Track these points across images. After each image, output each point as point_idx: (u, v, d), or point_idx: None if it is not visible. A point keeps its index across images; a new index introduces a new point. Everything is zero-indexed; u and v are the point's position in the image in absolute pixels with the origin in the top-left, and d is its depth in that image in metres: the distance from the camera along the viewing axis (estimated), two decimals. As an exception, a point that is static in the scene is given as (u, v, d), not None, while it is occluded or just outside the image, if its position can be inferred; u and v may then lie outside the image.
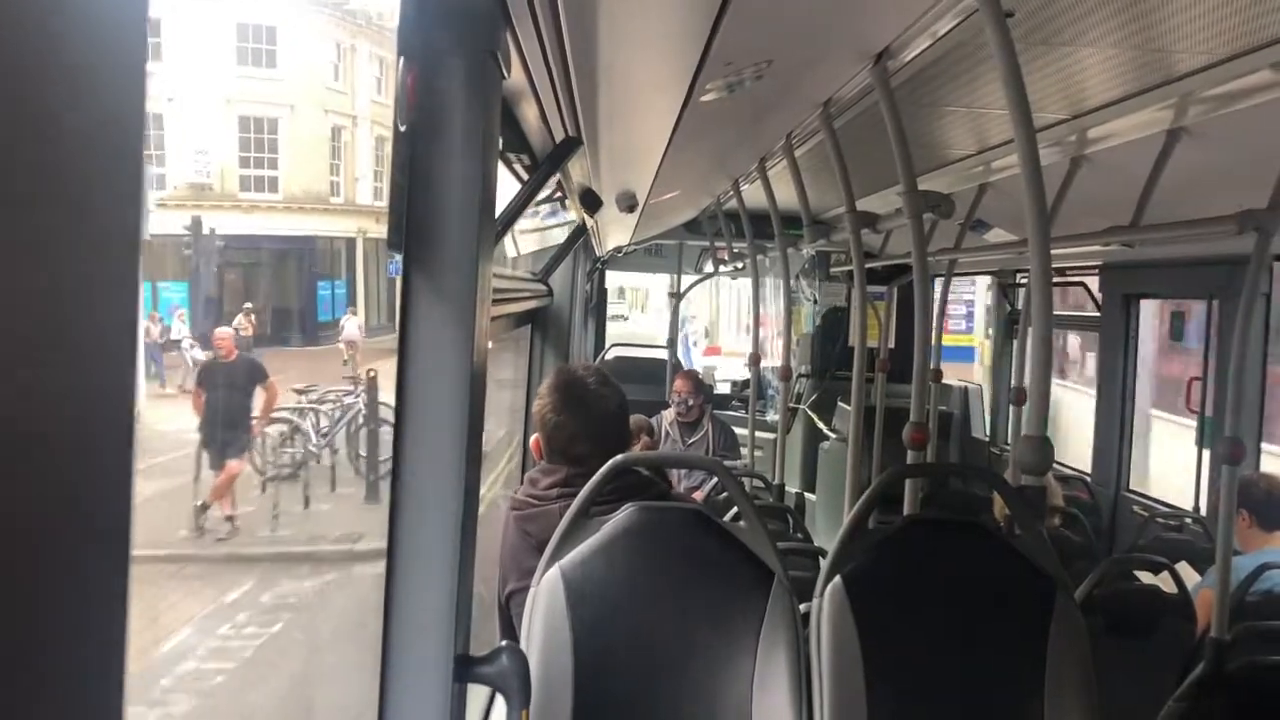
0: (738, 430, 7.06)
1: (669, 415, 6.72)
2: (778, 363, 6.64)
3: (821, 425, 8.19)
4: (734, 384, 10.89)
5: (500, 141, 2.14)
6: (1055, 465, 6.61)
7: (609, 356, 9.71)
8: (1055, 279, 6.63)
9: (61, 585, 0.47)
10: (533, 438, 2.73)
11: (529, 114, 2.00)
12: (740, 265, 8.48)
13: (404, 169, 1.27)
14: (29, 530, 0.44)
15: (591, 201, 3.33)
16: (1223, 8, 2.59)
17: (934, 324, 6.22)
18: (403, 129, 1.25)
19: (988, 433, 8.22)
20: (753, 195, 5.70)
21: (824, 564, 2.50)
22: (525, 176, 2.49)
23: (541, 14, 1.37)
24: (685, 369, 8.09)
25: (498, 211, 1.64)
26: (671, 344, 9.63)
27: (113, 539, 0.51)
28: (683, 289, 10.07)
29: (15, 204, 0.43)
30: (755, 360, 6.50)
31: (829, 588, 2.40)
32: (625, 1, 1.54)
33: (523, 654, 1.46)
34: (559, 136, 2.21)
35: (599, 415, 2.65)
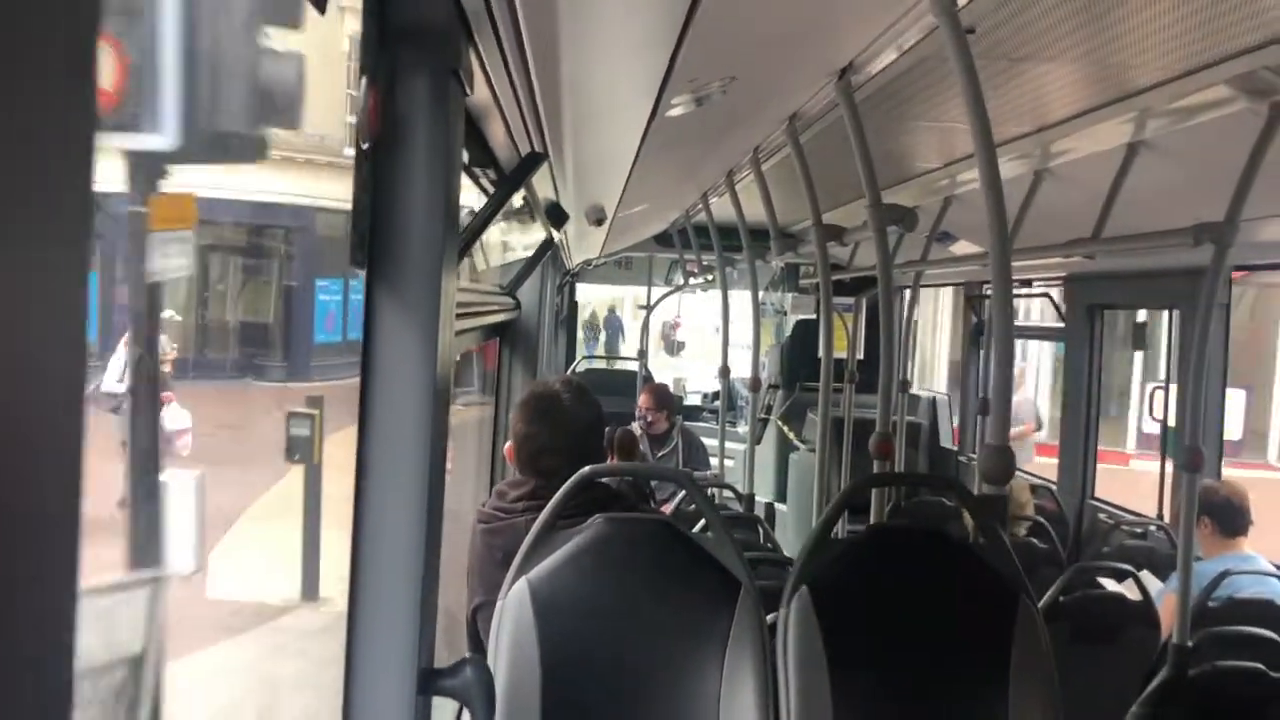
0: (709, 441, 7.09)
1: (636, 428, 6.76)
2: (747, 374, 6.69)
3: (791, 436, 8.23)
4: (704, 395, 10.93)
5: (465, 156, 2.15)
6: (1020, 474, 6.67)
7: (579, 369, 9.73)
8: (1020, 290, 6.74)
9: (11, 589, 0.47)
10: (506, 445, 2.75)
11: (494, 129, 2.01)
12: (709, 278, 8.52)
13: (366, 187, 1.28)
14: None
15: (558, 215, 3.35)
16: (1178, 24, 2.64)
17: (900, 335, 6.27)
18: (365, 147, 1.26)
19: (955, 442, 8.29)
20: (721, 208, 5.74)
21: (791, 573, 2.52)
22: (492, 191, 2.50)
23: (504, 30, 1.39)
24: (651, 383, 8.11)
25: (463, 226, 1.65)
26: (642, 356, 9.66)
27: (63, 535, 0.50)
28: (653, 301, 10.10)
29: None
30: (725, 372, 6.53)
31: (795, 597, 2.42)
32: (589, 18, 1.56)
33: (486, 667, 1.47)
34: (524, 151, 2.23)
35: (569, 428, 2.66)
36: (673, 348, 23.11)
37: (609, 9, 1.58)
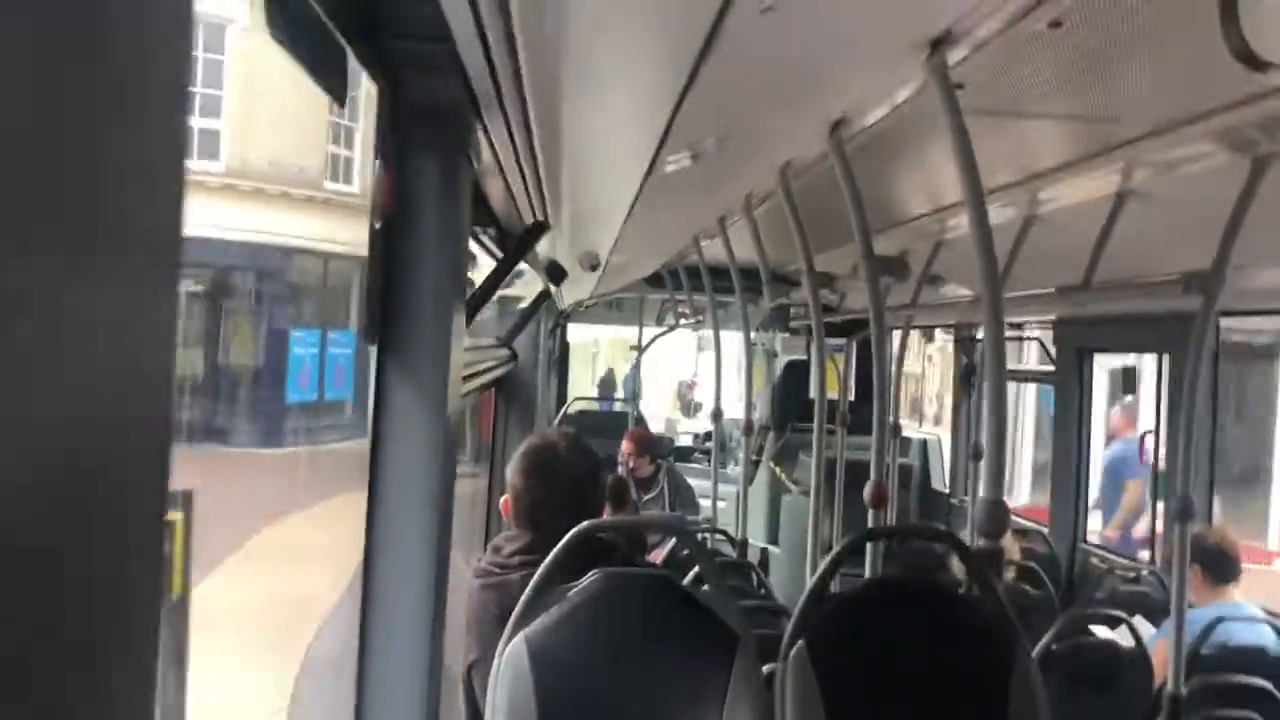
0: (701, 483, 7.09)
1: (622, 472, 6.77)
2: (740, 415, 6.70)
3: (783, 478, 8.23)
4: (696, 436, 10.93)
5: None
6: (1013, 519, 6.68)
7: (571, 410, 9.72)
8: (1010, 334, 6.77)
9: (93, 603, 0.48)
10: (503, 499, 2.74)
11: (497, 194, 2.04)
12: (700, 319, 8.55)
13: (379, 264, 1.30)
14: (71, 542, 0.45)
15: (557, 273, 3.37)
16: (1162, 81, 2.70)
17: (892, 378, 6.30)
18: (377, 226, 1.29)
19: (947, 485, 8.30)
20: (713, 249, 5.78)
21: (787, 628, 2.52)
22: (492, 248, 2.53)
23: (511, 109, 1.42)
24: (633, 428, 8.10)
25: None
26: (634, 397, 9.66)
27: (146, 549, 0.52)
28: (644, 343, 10.11)
29: (58, 217, 0.43)
30: (717, 414, 6.54)
31: (793, 653, 2.43)
32: (593, 89, 1.59)
33: None
34: (526, 216, 2.25)
35: (565, 482, 2.66)
36: (689, 408, 20.50)
37: (612, 78, 1.61)
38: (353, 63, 1.12)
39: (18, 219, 0.40)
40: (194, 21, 0.53)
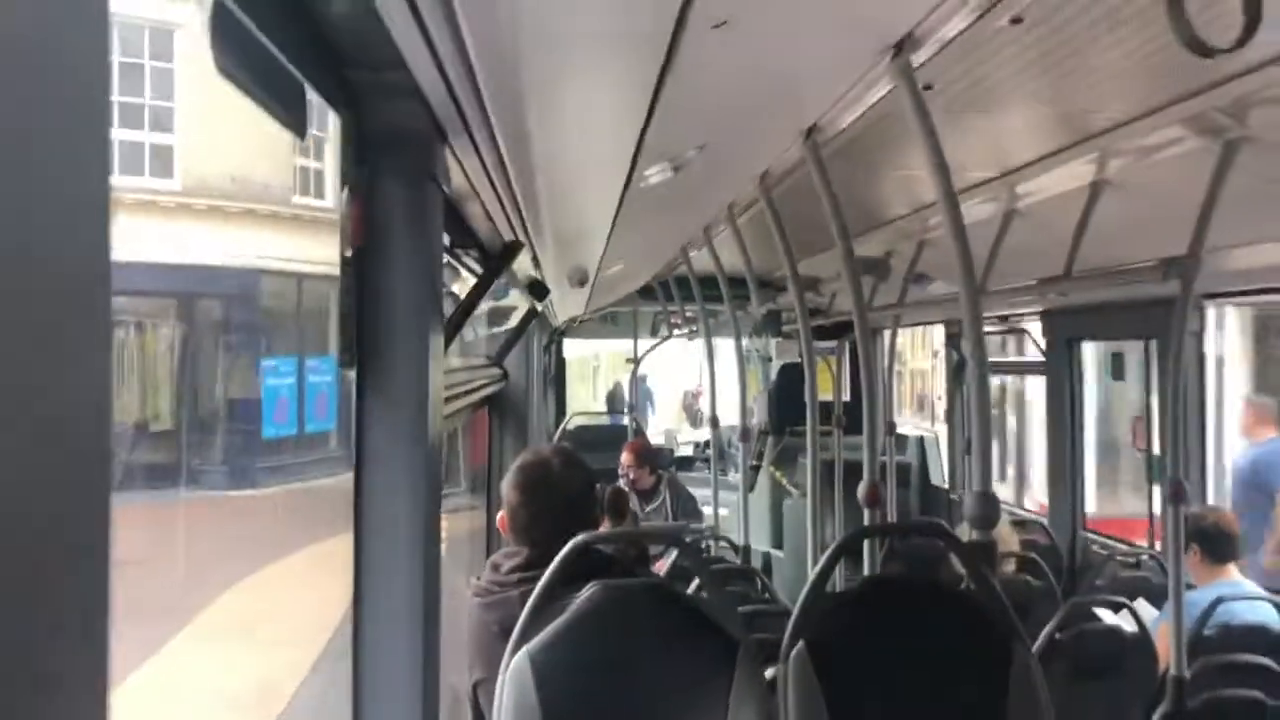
0: (702, 491, 7.10)
1: (623, 483, 6.78)
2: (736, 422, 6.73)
3: (784, 481, 8.25)
4: (696, 445, 10.94)
5: (448, 241, 2.20)
6: (1012, 511, 6.71)
7: (570, 426, 9.74)
8: (998, 327, 6.80)
9: (40, 596, 0.48)
10: (499, 515, 2.76)
11: (476, 214, 2.06)
12: (694, 329, 8.58)
13: (352, 292, 1.33)
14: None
15: (539, 291, 3.40)
16: (1131, 70, 2.73)
17: (884, 377, 6.33)
18: (349, 254, 1.31)
19: (946, 480, 8.31)
20: (701, 260, 5.81)
21: (787, 629, 2.54)
22: (476, 269, 2.55)
23: (477, 131, 1.45)
24: (631, 440, 8.12)
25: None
26: (632, 410, 9.69)
27: (92, 549, 0.52)
28: (639, 354, 10.14)
29: None
30: (714, 422, 6.56)
31: (794, 653, 2.44)
32: (557, 110, 1.62)
33: None
34: (506, 235, 2.28)
35: (560, 497, 2.68)
36: (696, 419, 20.05)
37: (576, 99, 1.64)
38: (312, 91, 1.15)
39: None
40: (109, 24, 0.52)
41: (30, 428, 0.47)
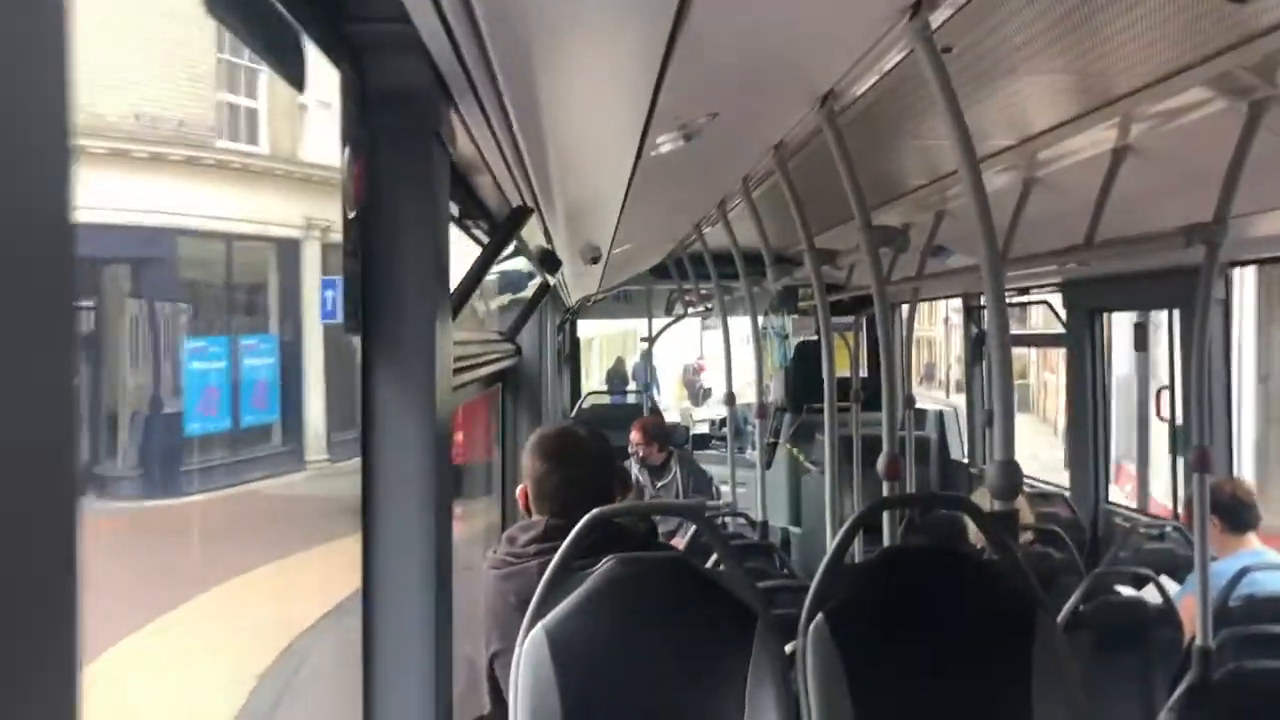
0: (720, 469, 7.08)
1: (634, 462, 6.78)
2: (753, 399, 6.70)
3: (801, 458, 8.22)
4: (712, 423, 10.92)
5: (456, 209, 2.17)
6: (1033, 483, 6.65)
7: (585, 405, 9.72)
8: (1019, 299, 6.74)
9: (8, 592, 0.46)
10: (519, 487, 2.78)
11: (483, 182, 2.03)
12: (709, 306, 8.54)
13: (356, 254, 1.30)
14: None
15: (551, 263, 3.37)
16: (1154, 30, 2.67)
17: (902, 351, 6.28)
18: (352, 215, 1.28)
19: (965, 454, 8.27)
20: (715, 236, 5.76)
21: (807, 600, 2.51)
22: (484, 238, 2.52)
23: (483, 90, 1.41)
24: (641, 417, 8.10)
25: (455, 282, 1.66)
26: (646, 389, 9.67)
27: (57, 541, 0.50)
28: (654, 333, 10.11)
29: None
30: (730, 399, 6.53)
31: (812, 625, 2.41)
32: (566, 70, 1.58)
33: None
34: (514, 203, 2.24)
35: (583, 466, 2.70)
36: (697, 396, 19.11)
37: (585, 60, 1.60)
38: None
39: None
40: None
41: None
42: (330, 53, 1.19)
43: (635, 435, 6.83)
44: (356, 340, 1.32)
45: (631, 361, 20.30)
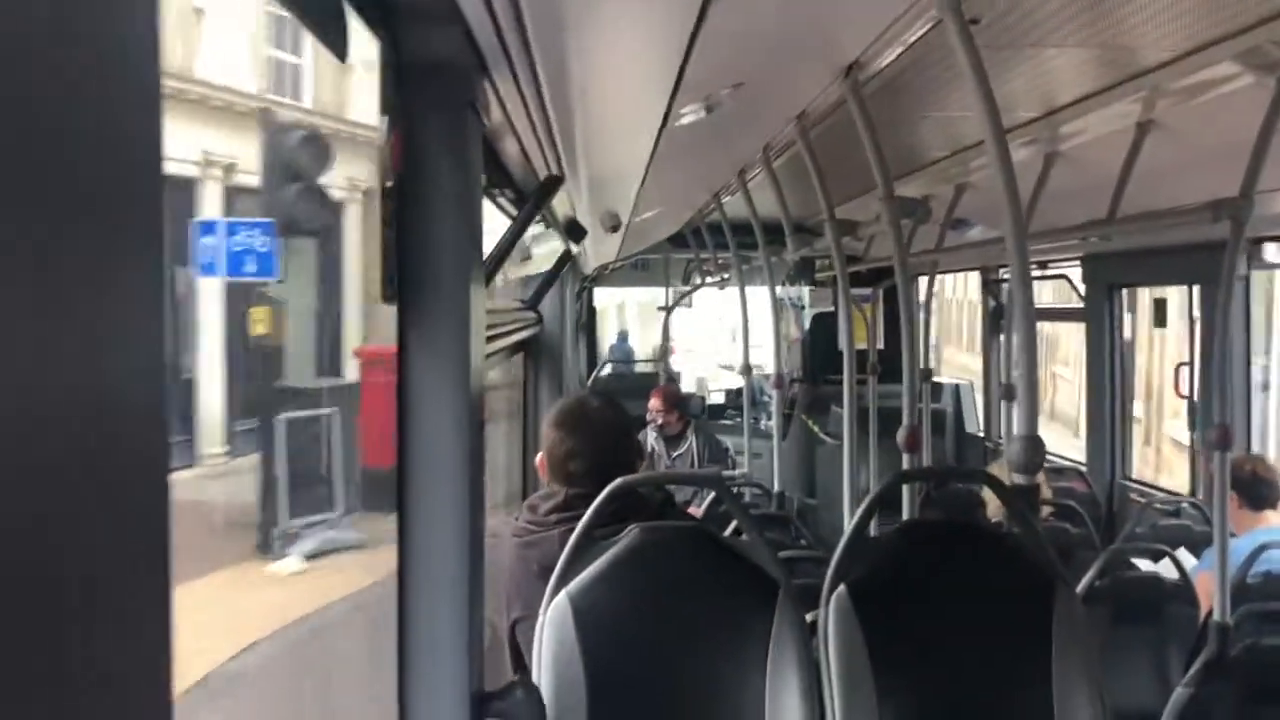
0: (736, 439, 7.09)
1: (652, 431, 6.77)
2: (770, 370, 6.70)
3: (817, 430, 8.23)
4: (728, 393, 10.92)
5: (485, 181, 2.17)
6: (1049, 457, 6.65)
7: (602, 374, 9.73)
8: (1037, 273, 6.71)
9: (100, 592, 0.47)
10: (538, 456, 2.79)
11: (512, 152, 2.03)
12: (726, 276, 8.53)
13: (393, 223, 1.30)
14: (67, 538, 0.44)
15: (576, 232, 3.37)
16: (1182, 3, 2.65)
17: (921, 324, 6.27)
18: (389, 185, 1.29)
19: (981, 428, 8.26)
20: (735, 205, 5.75)
21: (827, 573, 2.53)
22: (511, 210, 2.52)
23: (517, 61, 1.41)
24: (661, 384, 8.08)
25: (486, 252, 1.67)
26: (663, 358, 9.67)
27: (152, 544, 0.51)
28: (671, 302, 10.10)
29: (33, 209, 0.41)
30: (747, 369, 6.53)
31: (834, 597, 2.43)
32: (598, 40, 1.58)
33: (535, 687, 1.49)
34: (542, 174, 2.25)
35: (599, 434, 2.71)
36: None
37: (617, 31, 1.60)
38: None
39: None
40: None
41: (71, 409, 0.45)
42: (369, 19, 1.19)
43: (655, 403, 6.81)
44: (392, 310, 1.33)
45: (633, 333, 20.22)
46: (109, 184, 0.47)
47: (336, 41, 1.10)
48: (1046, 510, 4.86)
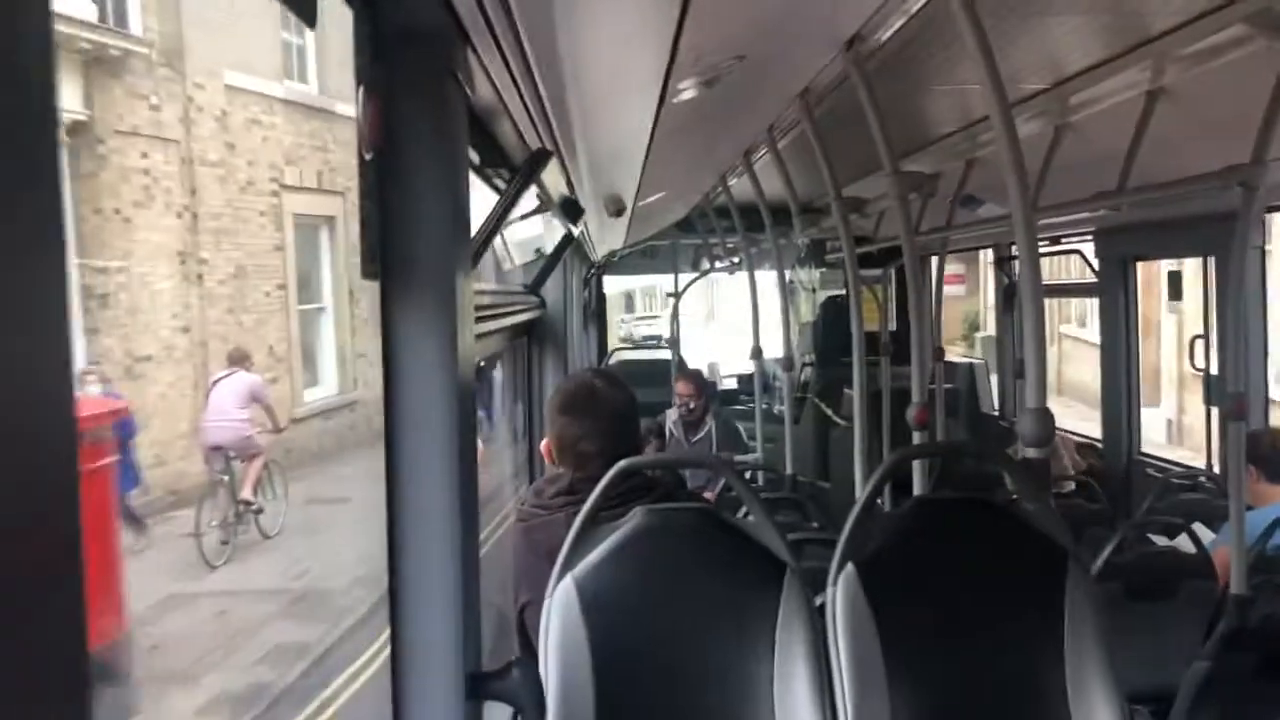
0: (748, 424, 7.06)
1: (673, 414, 6.76)
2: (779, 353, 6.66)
3: (829, 412, 8.19)
4: (739, 378, 10.88)
5: (476, 157, 2.14)
6: (1064, 433, 6.60)
7: (612, 361, 9.71)
8: (1050, 248, 6.65)
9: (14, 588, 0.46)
10: (543, 441, 2.76)
11: (503, 128, 2.00)
12: (735, 260, 8.49)
13: (373, 196, 1.27)
14: None
15: (572, 210, 3.33)
16: (1190, -35, 2.60)
17: (931, 302, 6.22)
18: (368, 157, 1.26)
19: (996, 406, 8.21)
20: (741, 188, 5.71)
21: (836, 550, 2.50)
22: (503, 186, 2.49)
23: (500, 29, 1.38)
24: (686, 370, 8.08)
25: (475, 229, 1.64)
26: (674, 344, 9.64)
27: (62, 536, 0.50)
28: (680, 288, 10.07)
29: None
30: (758, 353, 6.50)
31: (842, 575, 2.40)
32: (585, 9, 1.55)
33: (533, 667, 1.47)
34: (534, 148, 2.21)
35: (605, 414, 2.67)
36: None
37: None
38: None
39: None
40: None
41: None
42: (341, -11, 1.16)
43: (685, 388, 6.79)
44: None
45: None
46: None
47: (305, 7, 1.07)
48: (1068, 486, 4.82)
